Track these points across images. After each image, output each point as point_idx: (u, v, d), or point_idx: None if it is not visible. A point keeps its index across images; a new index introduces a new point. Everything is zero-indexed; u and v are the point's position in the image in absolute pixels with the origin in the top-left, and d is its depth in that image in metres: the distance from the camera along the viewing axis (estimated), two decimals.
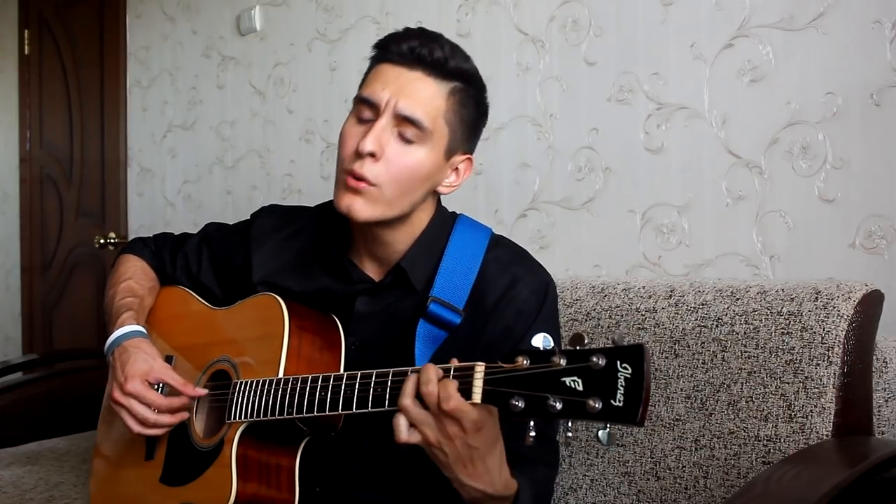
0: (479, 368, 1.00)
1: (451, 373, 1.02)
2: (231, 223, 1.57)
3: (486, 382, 0.99)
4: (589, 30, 1.94)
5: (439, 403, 1.00)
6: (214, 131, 2.95)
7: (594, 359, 0.90)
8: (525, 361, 0.95)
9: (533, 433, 0.96)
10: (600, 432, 0.90)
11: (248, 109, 2.82)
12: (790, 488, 1.08)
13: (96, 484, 1.52)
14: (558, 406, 0.91)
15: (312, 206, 1.50)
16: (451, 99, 1.24)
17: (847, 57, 1.58)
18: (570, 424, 0.94)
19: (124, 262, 1.56)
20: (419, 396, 1.03)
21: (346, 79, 2.49)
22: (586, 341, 0.93)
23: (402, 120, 1.21)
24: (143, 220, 3.24)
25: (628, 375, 0.88)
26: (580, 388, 0.91)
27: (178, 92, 3.10)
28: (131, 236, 3.30)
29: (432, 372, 1.03)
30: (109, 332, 1.42)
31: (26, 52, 3.79)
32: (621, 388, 0.88)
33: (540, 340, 0.96)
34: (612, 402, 0.88)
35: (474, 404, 1.00)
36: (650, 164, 1.84)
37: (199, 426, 1.36)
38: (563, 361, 0.92)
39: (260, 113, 2.78)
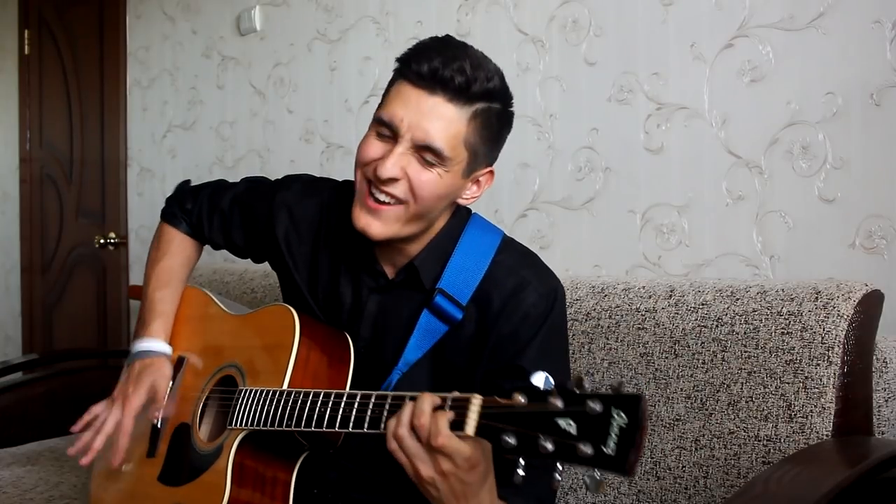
0: (476, 401, 0.98)
1: (448, 402, 1.01)
2: (263, 183, 1.55)
3: (480, 416, 0.97)
4: (589, 30, 1.94)
5: (429, 438, 0.99)
6: (214, 131, 2.95)
7: (591, 403, 0.88)
8: (522, 399, 0.94)
9: (522, 472, 0.93)
10: (587, 477, 0.88)
11: (248, 109, 2.82)
12: (790, 488, 1.08)
13: (98, 476, 1.53)
14: (549, 447, 0.90)
15: (339, 181, 1.48)
16: (472, 123, 1.21)
17: (847, 57, 1.58)
18: (559, 466, 0.92)
19: (164, 234, 1.62)
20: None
21: (346, 79, 2.49)
22: (586, 385, 0.91)
23: (421, 148, 1.19)
24: (143, 220, 3.24)
25: (623, 424, 0.86)
26: (573, 431, 0.89)
27: (178, 92, 3.10)
28: (131, 236, 3.31)
29: (427, 403, 1.01)
30: (139, 331, 1.49)
31: (26, 52, 3.79)
32: (614, 436, 0.86)
33: (541, 379, 0.94)
34: (604, 448, 0.86)
35: (466, 438, 0.98)
36: (650, 164, 1.84)
37: (203, 429, 1.36)
38: (559, 403, 0.91)
39: (260, 113, 2.78)
